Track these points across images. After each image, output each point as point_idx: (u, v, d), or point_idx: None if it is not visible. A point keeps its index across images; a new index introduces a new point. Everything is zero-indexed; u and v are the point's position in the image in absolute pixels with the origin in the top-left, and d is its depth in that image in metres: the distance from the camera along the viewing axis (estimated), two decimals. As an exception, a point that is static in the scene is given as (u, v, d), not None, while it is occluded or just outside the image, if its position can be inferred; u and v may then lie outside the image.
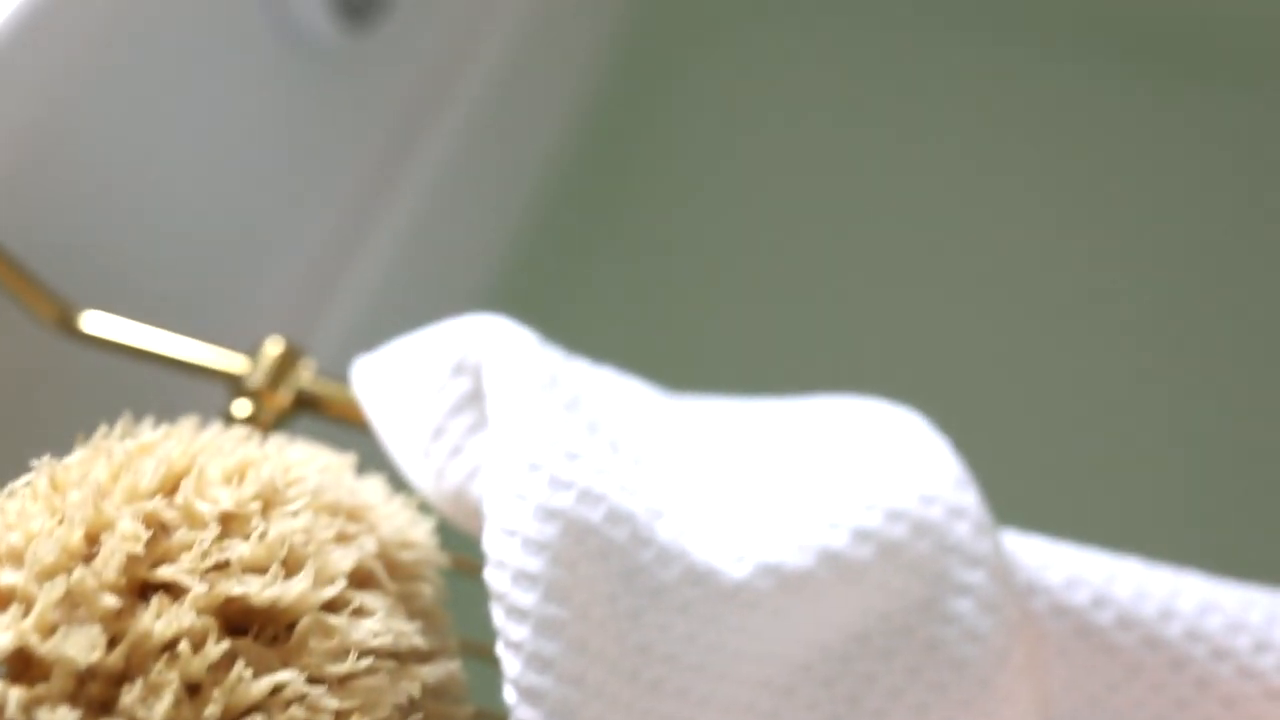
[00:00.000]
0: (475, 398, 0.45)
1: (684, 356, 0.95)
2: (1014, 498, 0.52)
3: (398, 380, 0.47)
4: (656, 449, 0.46)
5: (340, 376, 0.52)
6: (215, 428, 0.42)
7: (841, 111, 1.10)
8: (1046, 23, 1.15)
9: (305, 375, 0.50)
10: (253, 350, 0.50)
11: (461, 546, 0.46)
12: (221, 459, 0.39)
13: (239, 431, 0.42)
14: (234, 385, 0.50)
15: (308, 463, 0.40)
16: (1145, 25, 1.13)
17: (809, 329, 0.97)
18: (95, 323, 0.52)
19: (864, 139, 1.08)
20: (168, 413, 0.62)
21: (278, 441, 0.42)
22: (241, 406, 0.49)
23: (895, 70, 1.13)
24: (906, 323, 0.98)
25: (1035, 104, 1.10)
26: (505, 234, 0.94)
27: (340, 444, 0.50)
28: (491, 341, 0.45)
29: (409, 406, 0.46)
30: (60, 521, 0.36)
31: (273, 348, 0.50)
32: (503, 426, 0.41)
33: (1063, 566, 0.44)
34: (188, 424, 0.41)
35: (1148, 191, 1.05)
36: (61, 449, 0.43)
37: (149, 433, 0.40)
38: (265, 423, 0.49)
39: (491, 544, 0.39)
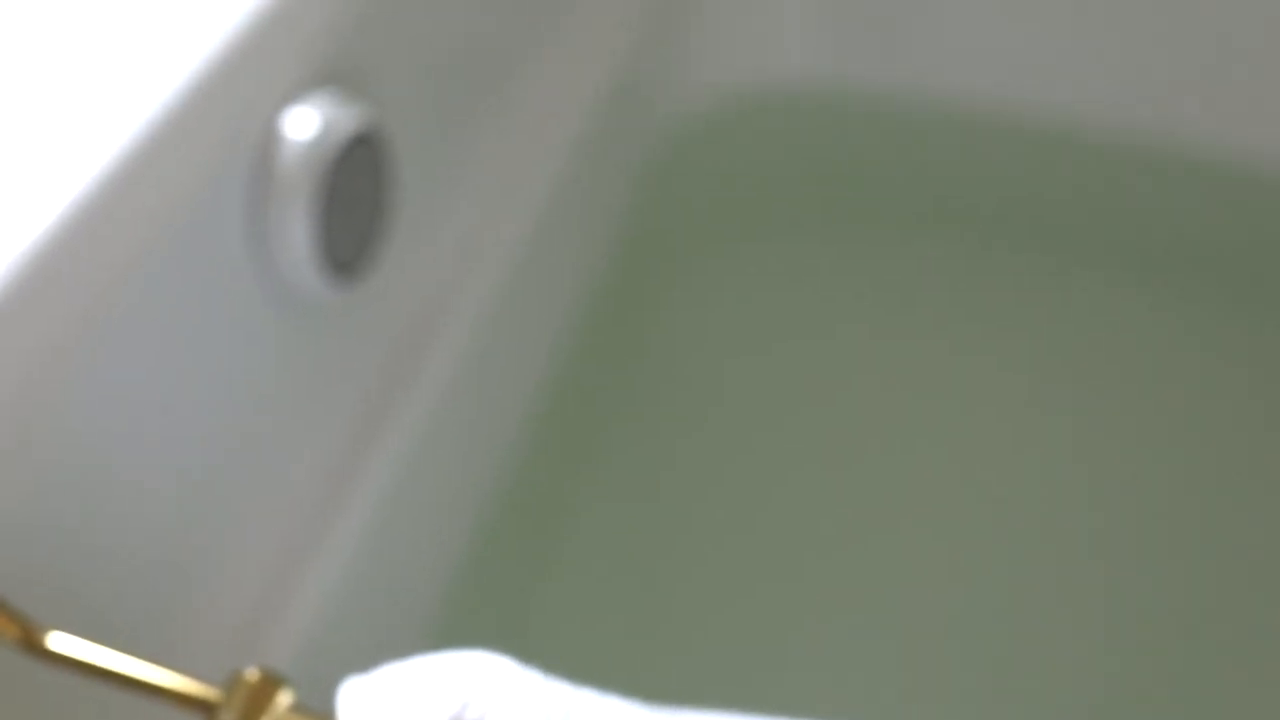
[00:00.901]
0: (471, 756, 0.42)
1: (676, 626, 0.90)
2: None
3: (387, 724, 0.43)
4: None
5: (315, 682, 0.48)
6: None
7: (833, 351, 1.05)
8: (1056, 237, 1.12)
9: (283, 707, 0.47)
10: (227, 681, 0.47)
11: None
12: None
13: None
14: (207, 712, 0.47)
15: None
16: (1154, 240, 1.10)
17: (810, 607, 0.91)
18: (62, 643, 0.48)
19: (866, 372, 1.04)
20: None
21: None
22: (214, 750, 0.45)
23: (900, 288, 1.09)
24: (921, 598, 0.92)
25: (1060, 327, 1.06)
26: (486, 494, 0.90)
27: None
28: (493, 696, 0.41)
29: (398, 760, 0.42)
30: None
31: (249, 676, 0.47)
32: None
33: None
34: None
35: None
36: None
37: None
38: (239, 768, 0.45)
39: None
